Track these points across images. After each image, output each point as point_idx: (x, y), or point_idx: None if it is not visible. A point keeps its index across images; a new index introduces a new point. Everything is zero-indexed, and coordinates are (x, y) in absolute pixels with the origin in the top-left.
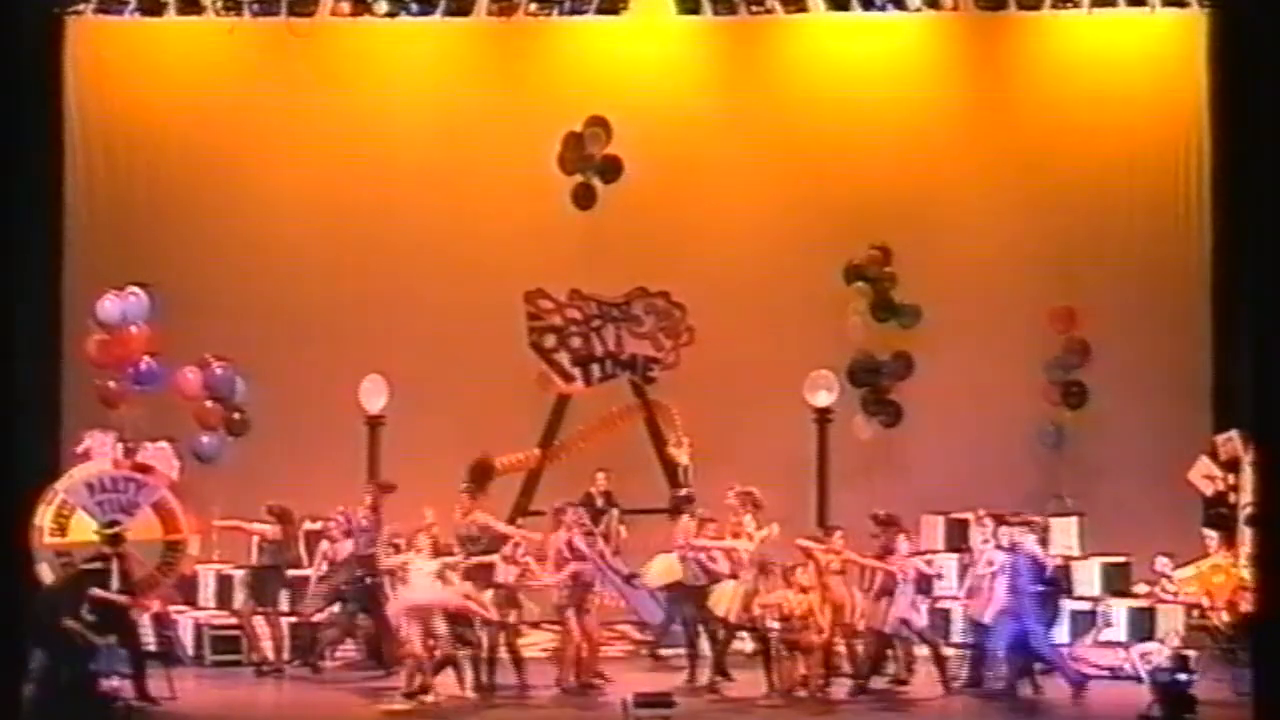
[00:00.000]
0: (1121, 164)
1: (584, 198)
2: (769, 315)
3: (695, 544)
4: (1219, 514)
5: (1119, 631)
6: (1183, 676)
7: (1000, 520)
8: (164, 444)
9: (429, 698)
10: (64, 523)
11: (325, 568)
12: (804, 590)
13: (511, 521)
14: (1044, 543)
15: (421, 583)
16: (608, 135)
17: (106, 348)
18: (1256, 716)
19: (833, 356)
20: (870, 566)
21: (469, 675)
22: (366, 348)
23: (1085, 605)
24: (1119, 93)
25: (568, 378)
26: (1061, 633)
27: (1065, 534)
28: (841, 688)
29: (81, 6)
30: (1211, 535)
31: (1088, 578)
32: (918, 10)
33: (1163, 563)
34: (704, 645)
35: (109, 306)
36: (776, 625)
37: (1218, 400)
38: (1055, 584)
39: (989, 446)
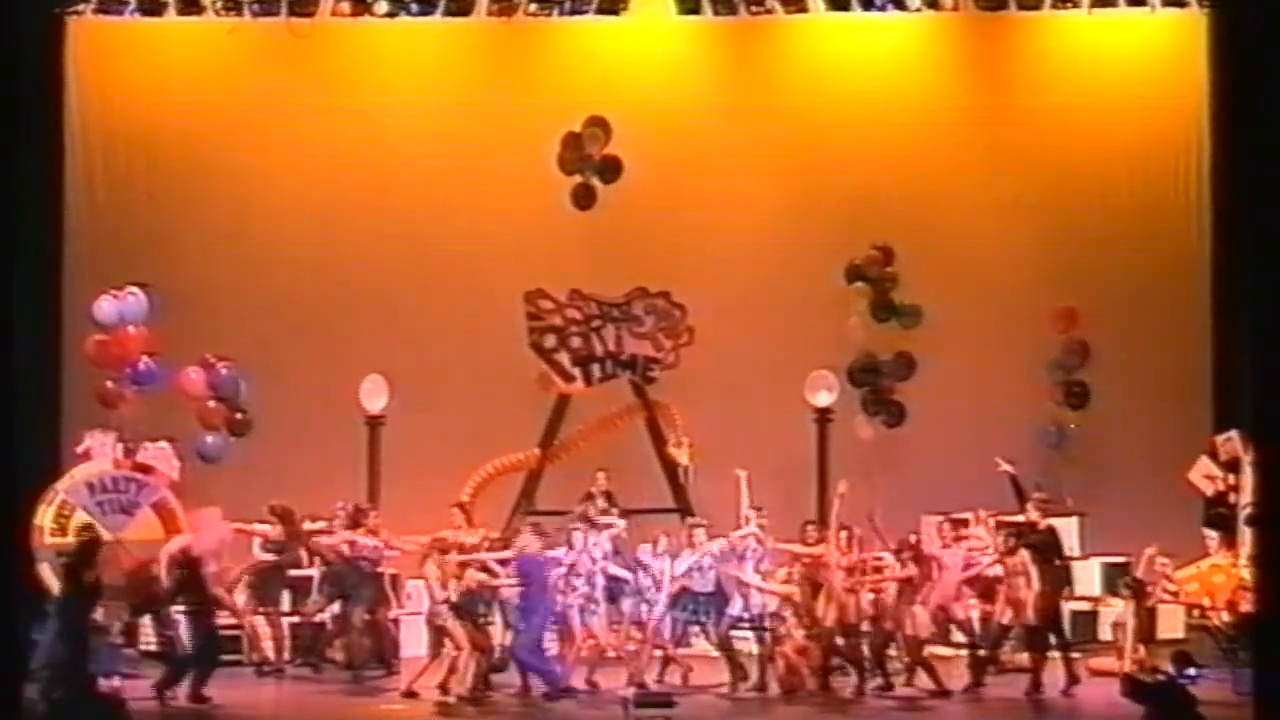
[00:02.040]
0: (1121, 164)
1: (584, 198)
2: (769, 315)
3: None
4: (1219, 514)
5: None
6: (1191, 671)
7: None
8: (164, 444)
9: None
10: (64, 523)
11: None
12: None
13: (511, 521)
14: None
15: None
16: (607, 135)
17: (104, 348)
18: (1256, 716)
19: (833, 357)
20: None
21: (469, 675)
22: (366, 348)
23: (1085, 605)
24: (1119, 93)
25: (568, 378)
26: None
27: (1066, 534)
28: (844, 687)
29: (82, 7)
30: (1212, 535)
31: (1088, 577)
32: (918, 10)
33: (1162, 563)
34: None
35: (106, 307)
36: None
37: (1218, 400)
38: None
39: (990, 446)
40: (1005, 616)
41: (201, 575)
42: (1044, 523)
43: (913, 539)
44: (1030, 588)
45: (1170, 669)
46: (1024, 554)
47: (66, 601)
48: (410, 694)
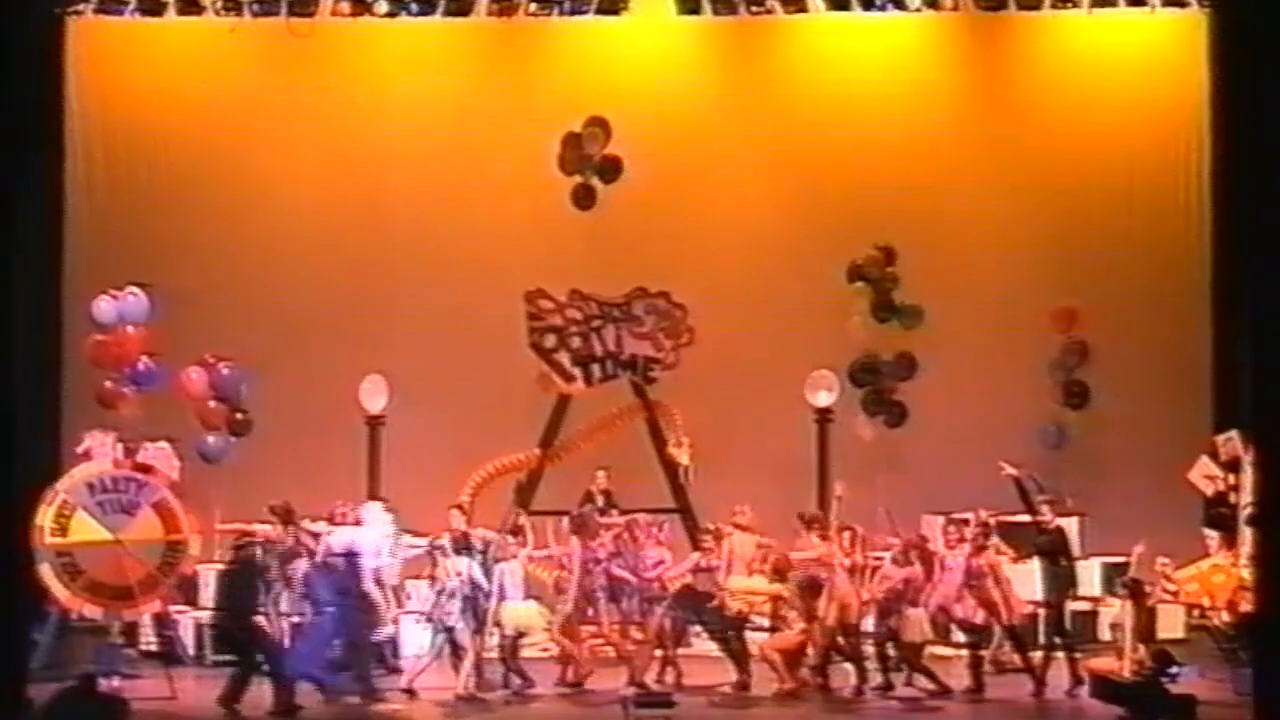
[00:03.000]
0: (1121, 164)
1: (584, 198)
2: (770, 315)
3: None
4: (1219, 514)
5: None
6: (1174, 670)
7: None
8: (164, 444)
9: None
10: (65, 523)
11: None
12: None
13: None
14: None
15: None
16: (607, 135)
17: (104, 348)
18: (1256, 717)
19: (834, 357)
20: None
21: (467, 675)
22: (366, 348)
23: (1085, 605)
24: (1119, 92)
25: (568, 378)
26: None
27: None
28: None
29: (82, 7)
30: (1212, 535)
31: (1088, 578)
32: (918, 10)
33: (1162, 563)
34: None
35: (105, 308)
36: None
37: (1218, 400)
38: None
39: (991, 446)
40: (979, 616)
41: (359, 571)
42: (1053, 523)
43: (914, 538)
44: (1000, 587)
45: (1151, 668)
46: (991, 554)
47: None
48: (409, 692)
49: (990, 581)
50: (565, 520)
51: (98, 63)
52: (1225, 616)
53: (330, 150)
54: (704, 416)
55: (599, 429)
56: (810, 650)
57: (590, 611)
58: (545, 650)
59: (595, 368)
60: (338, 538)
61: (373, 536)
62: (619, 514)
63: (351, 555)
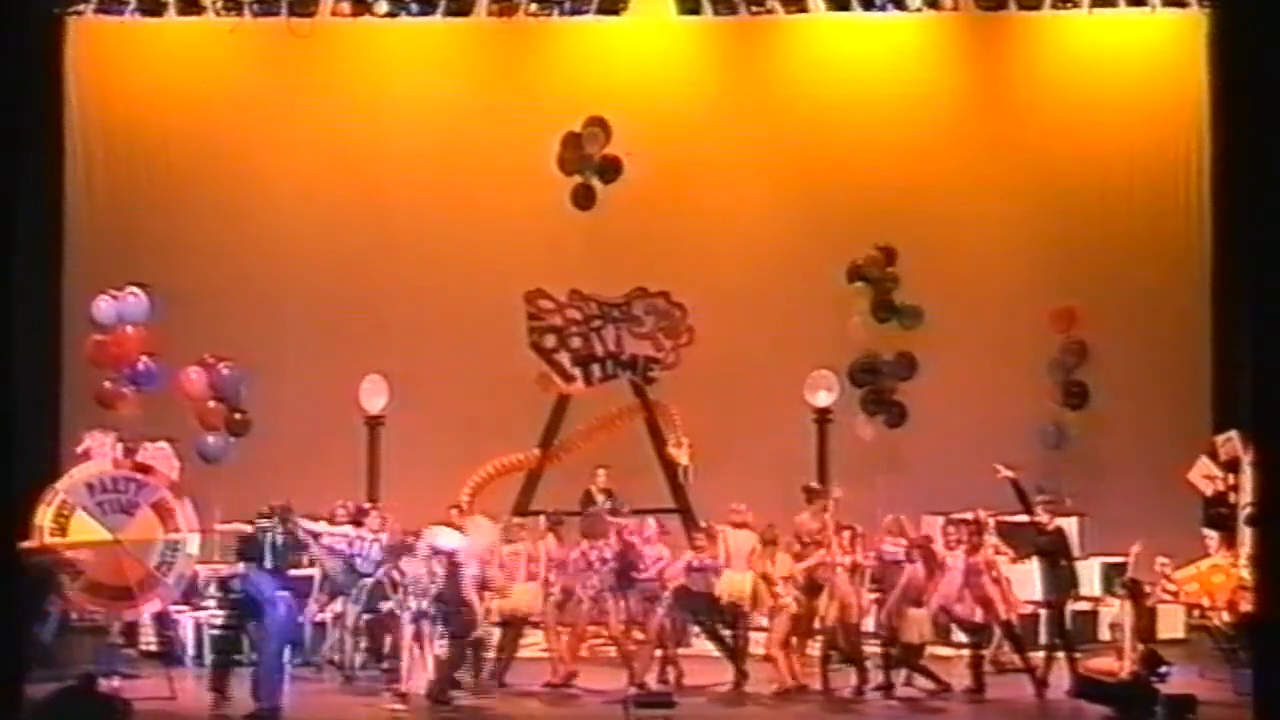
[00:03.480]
0: (1121, 164)
1: (584, 198)
2: (770, 316)
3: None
4: (1219, 514)
5: None
6: (1163, 669)
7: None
8: (164, 444)
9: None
10: (64, 523)
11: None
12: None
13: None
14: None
15: None
16: (606, 135)
17: (103, 349)
18: (1256, 717)
19: (834, 357)
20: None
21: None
22: (366, 348)
23: (1085, 605)
24: (1119, 92)
25: (568, 378)
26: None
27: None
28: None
29: (82, 7)
30: (1211, 535)
31: (1088, 578)
32: (918, 10)
33: (1162, 563)
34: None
35: (104, 308)
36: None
37: (1218, 400)
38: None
39: (990, 447)
40: (977, 615)
41: (459, 577)
42: (1053, 524)
43: (919, 539)
44: (997, 585)
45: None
46: (988, 552)
47: None
48: (401, 695)
49: (986, 579)
50: (541, 519)
51: (98, 63)
52: (1225, 616)
53: (330, 150)
54: (704, 416)
55: (599, 429)
56: (796, 630)
57: (594, 612)
58: (546, 650)
59: (595, 368)
60: (444, 539)
61: (479, 544)
62: (612, 514)
63: (454, 560)
